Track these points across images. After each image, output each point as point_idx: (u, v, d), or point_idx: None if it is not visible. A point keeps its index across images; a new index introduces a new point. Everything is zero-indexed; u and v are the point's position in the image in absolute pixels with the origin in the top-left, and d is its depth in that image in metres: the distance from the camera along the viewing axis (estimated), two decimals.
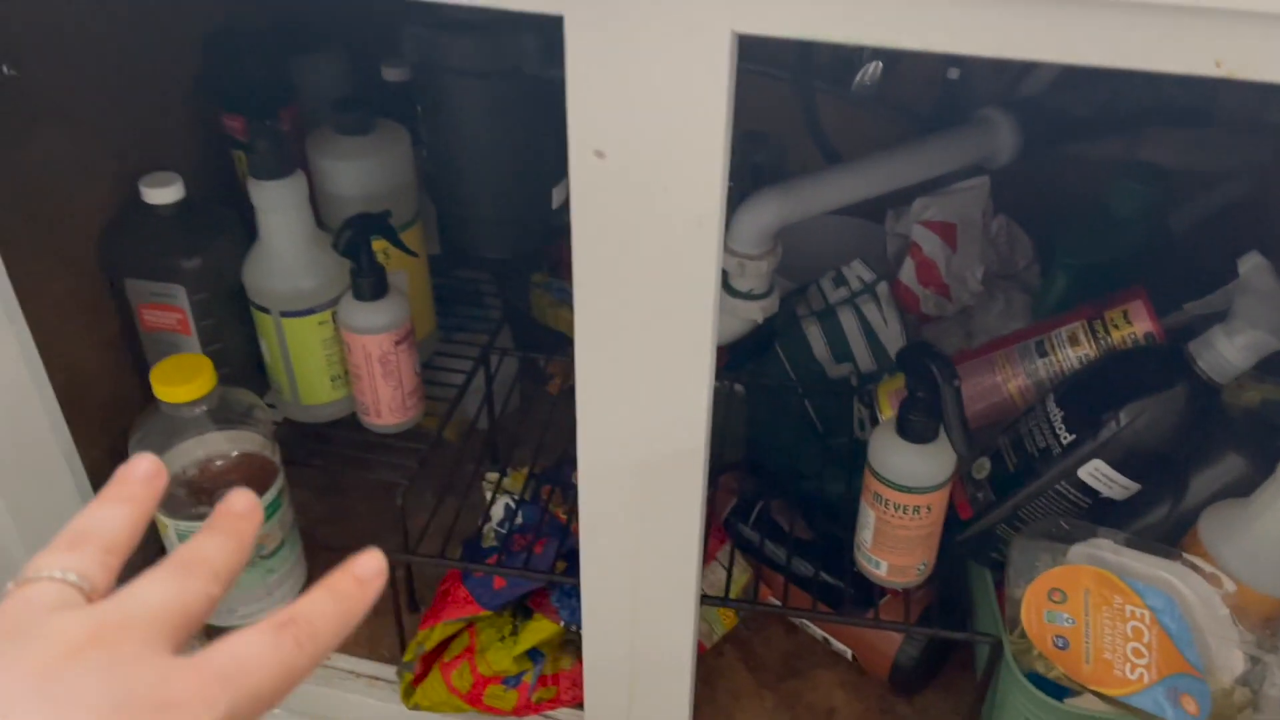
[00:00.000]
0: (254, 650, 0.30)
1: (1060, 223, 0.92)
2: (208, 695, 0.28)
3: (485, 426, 0.96)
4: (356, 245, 0.75)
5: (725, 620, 0.82)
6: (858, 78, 0.98)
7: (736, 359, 1.00)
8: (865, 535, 0.70)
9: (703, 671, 0.81)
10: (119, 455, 0.72)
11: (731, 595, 0.79)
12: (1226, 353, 0.62)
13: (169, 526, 0.73)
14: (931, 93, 1.00)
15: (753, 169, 1.06)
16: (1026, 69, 0.93)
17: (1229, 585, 0.59)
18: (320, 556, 0.85)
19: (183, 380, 0.68)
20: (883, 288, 0.93)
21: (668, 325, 0.54)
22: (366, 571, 0.33)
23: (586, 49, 0.46)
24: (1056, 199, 0.94)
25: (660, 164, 0.49)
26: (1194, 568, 0.60)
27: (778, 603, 0.81)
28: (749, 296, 0.86)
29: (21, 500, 0.72)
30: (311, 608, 0.31)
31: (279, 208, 0.76)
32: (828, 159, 1.01)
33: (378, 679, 0.82)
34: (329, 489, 0.94)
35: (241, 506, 0.34)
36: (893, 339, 0.92)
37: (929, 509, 0.66)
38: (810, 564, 0.79)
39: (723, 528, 0.84)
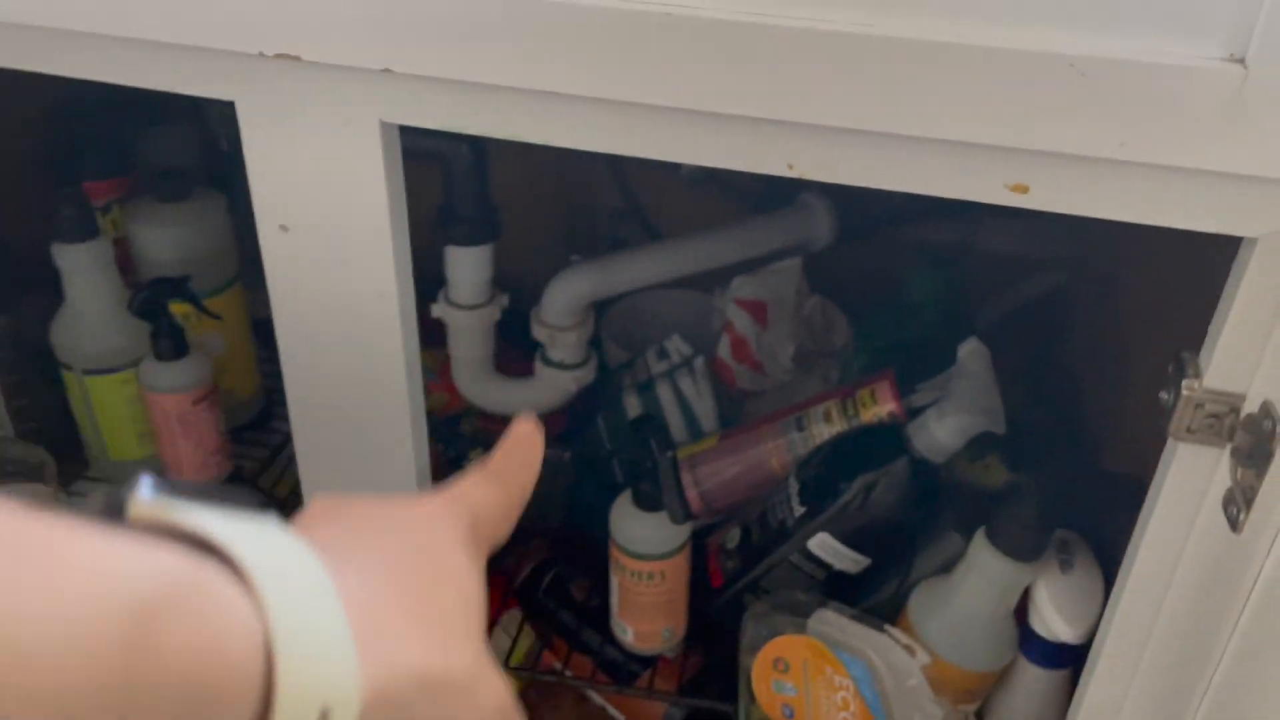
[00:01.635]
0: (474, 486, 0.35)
1: (868, 305, 0.96)
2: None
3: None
4: (153, 307, 0.78)
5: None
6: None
7: (569, 428, 1.03)
8: (613, 602, 0.72)
9: None
10: None
11: (513, 661, 0.81)
12: (938, 434, 0.65)
13: None
14: (763, 176, 1.04)
15: (615, 243, 1.10)
16: None
17: (924, 658, 0.61)
18: None
19: None
20: (699, 362, 0.96)
21: (366, 393, 0.57)
22: (526, 429, 0.38)
23: (258, 132, 0.50)
24: (875, 282, 0.98)
25: (336, 239, 0.52)
26: (895, 639, 0.62)
27: (556, 669, 0.82)
28: (561, 366, 0.90)
29: None
30: (507, 462, 0.37)
31: (81, 269, 0.79)
32: (650, 236, 1.05)
33: None
34: None
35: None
36: (706, 412, 0.95)
37: (663, 575, 0.68)
38: (595, 632, 0.81)
39: (516, 593, 0.86)
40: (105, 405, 0.83)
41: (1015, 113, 0.39)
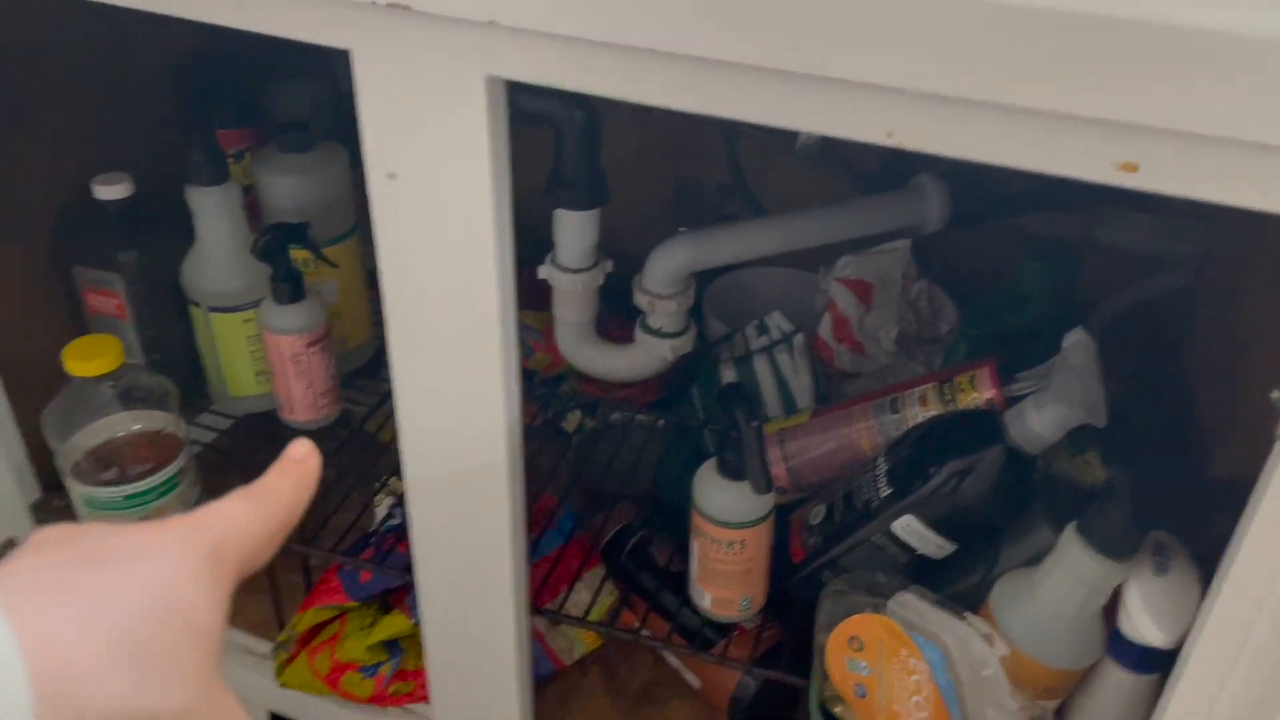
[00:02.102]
0: (229, 506, 0.35)
1: (977, 292, 0.94)
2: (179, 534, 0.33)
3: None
4: (272, 251, 0.82)
5: (587, 641, 0.85)
6: (802, 136, 1.01)
7: (663, 397, 1.04)
8: (692, 568, 0.72)
9: (561, 688, 0.84)
10: None
11: (593, 617, 0.82)
12: (1034, 424, 0.63)
13: (76, 491, 0.80)
14: (875, 156, 1.02)
15: (721, 218, 1.10)
16: None
17: (1002, 649, 0.60)
18: None
19: (90, 357, 0.76)
20: (799, 339, 0.95)
21: (462, 343, 0.59)
22: (301, 452, 0.38)
23: (371, 80, 0.52)
24: (986, 270, 0.95)
25: (440, 190, 0.53)
26: (975, 628, 0.61)
27: (634, 630, 0.83)
28: (660, 334, 0.90)
29: None
30: (273, 482, 0.37)
31: (211, 211, 0.83)
32: (756, 212, 1.04)
33: (264, 658, 0.87)
34: (247, 475, 1.01)
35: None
36: (802, 390, 0.94)
37: (743, 544, 0.68)
38: (675, 597, 0.82)
39: (601, 552, 0.87)
40: (227, 342, 0.88)
41: (1124, 83, 0.37)
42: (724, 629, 0.76)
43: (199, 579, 0.32)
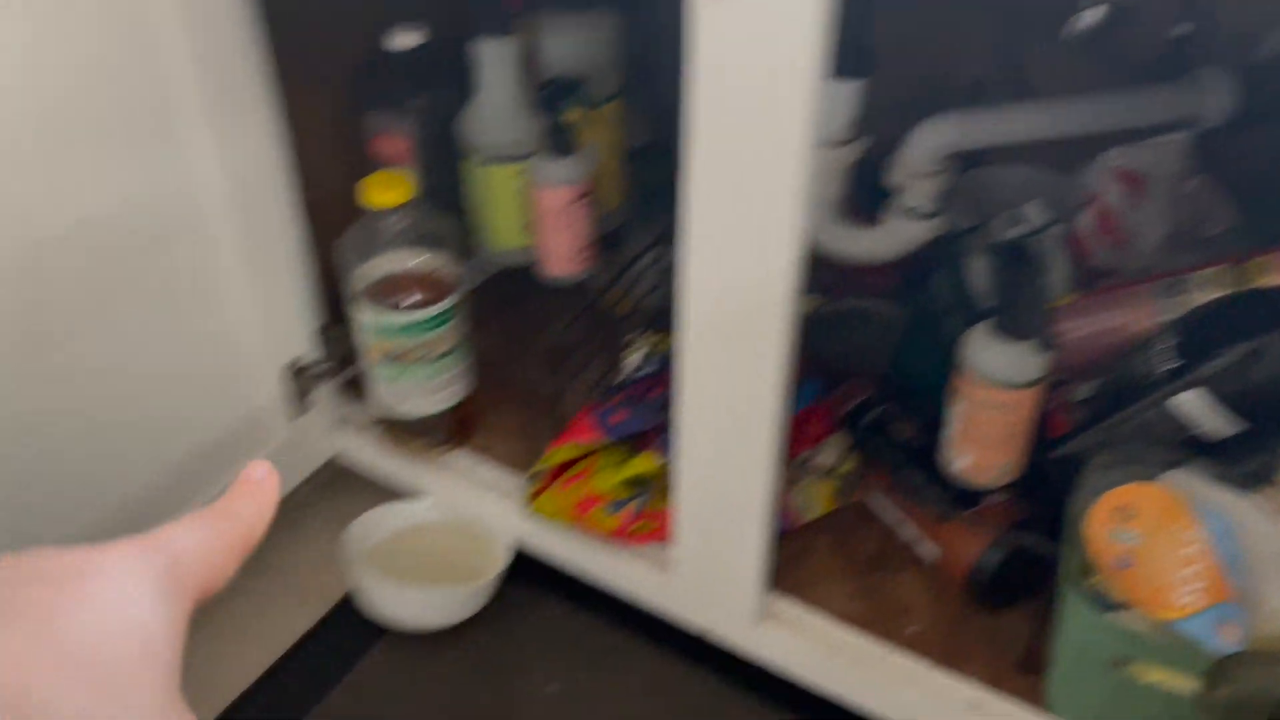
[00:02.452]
0: (185, 527, 0.33)
1: (1259, 193, 0.88)
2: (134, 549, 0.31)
3: (648, 307, 1.05)
4: (550, 104, 0.85)
5: (822, 502, 0.87)
6: (1073, 23, 0.97)
7: (903, 282, 1.03)
8: (953, 429, 0.73)
9: (792, 548, 0.86)
10: None
11: (831, 486, 0.84)
12: None
13: (363, 315, 0.87)
14: (1152, 48, 0.97)
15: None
16: (1267, 31, 0.89)
17: None
18: (487, 372, 0.97)
19: (386, 190, 0.82)
20: (1055, 231, 0.93)
21: (761, 165, 0.60)
22: (260, 473, 0.36)
23: None
24: (1271, 169, 0.90)
25: (762, 14, 0.55)
26: (1262, 504, 0.59)
27: (873, 500, 0.85)
28: (913, 214, 0.90)
29: (266, 291, 0.88)
30: (232, 503, 0.35)
31: (493, 64, 0.88)
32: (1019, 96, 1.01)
33: (514, 492, 0.93)
34: (503, 323, 1.07)
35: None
36: (1059, 283, 0.92)
37: (1012, 407, 0.68)
38: (915, 468, 0.82)
39: (841, 421, 0.89)
40: (496, 194, 0.93)
41: None
42: (970, 501, 0.77)
43: (154, 599, 0.31)
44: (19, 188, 0.66)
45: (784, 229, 0.62)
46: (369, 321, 0.87)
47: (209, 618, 0.95)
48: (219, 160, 0.78)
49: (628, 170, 1.03)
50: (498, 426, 0.99)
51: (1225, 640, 0.59)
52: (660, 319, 1.03)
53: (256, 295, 0.86)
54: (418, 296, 0.87)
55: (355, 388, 1.00)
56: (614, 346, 0.95)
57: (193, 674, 0.97)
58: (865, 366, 0.95)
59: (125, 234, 0.74)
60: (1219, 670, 0.56)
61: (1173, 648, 0.61)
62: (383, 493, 0.99)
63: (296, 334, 0.92)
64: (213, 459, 0.88)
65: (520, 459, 0.95)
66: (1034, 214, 0.96)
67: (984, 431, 0.70)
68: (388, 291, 0.87)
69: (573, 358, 0.91)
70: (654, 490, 0.86)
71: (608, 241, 1.05)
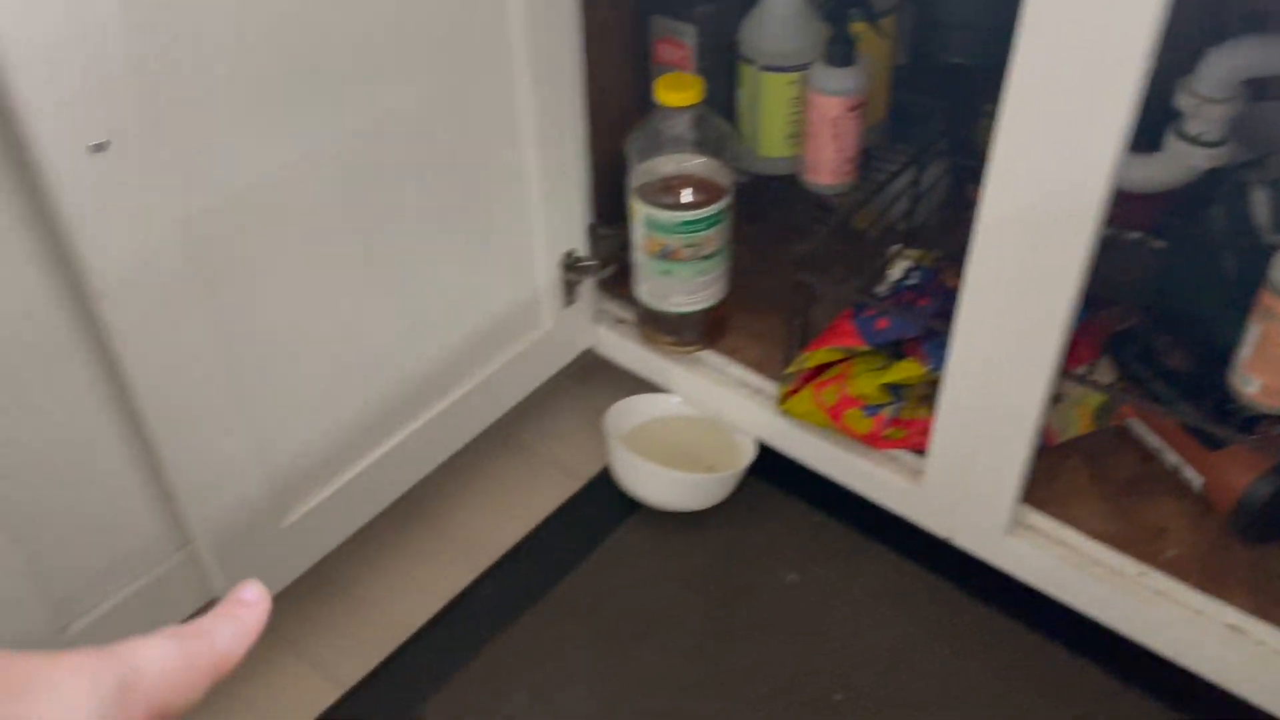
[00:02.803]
0: (151, 642, 0.31)
1: None
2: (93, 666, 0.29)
3: (902, 227, 1.06)
4: (836, 13, 0.87)
5: (1081, 423, 0.87)
6: None
7: (1169, 213, 1.01)
8: (1245, 353, 0.72)
9: (1047, 465, 0.87)
10: (624, 159, 0.92)
11: (1093, 405, 0.84)
12: None
13: (640, 211, 0.92)
14: None
15: None
16: None
17: None
18: (741, 277, 1.01)
19: (677, 90, 0.86)
20: None
21: (1087, 79, 0.61)
22: (250, 595, 0.35)
23: None
24: None
25: None
26: None
27: (1136, 424, 0.84)
28: (1198, 142, 0.88)
29: (552, 186, 0.93)
30: (209, 623, 0.33)
31: None
32: None
33: (761, 391, 0.98)
34: (761, 230, 1.10)
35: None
36: None
37: None
38: (1184, 395, 0.82)
39: (1105, 346, 0.88)
40: (770, 102, 0.95)
41: None
42: (1249, 427, 0.76)
43: (102, 713, 0.29)
44: (360, 86, 0.73)
45: (1109, 140, 0.63)
46: (646, 217, 0.92)
47: (476, 481, 1.03)
48: (530, 65, 0.83)
49: (893, 84, 1.04)
50: (747, 330, 1.02)
51: None
52: (913, 237, 1.05)
53: (545, 190, 0.92)
54: (694, 197, 0.91)
55: (615, 285, 1.06)
56: (868, 260, 0.97)
57: (462, 533, 1.07)
58: (1130, 294, 0.94)
59: (446, 127, 0.81)
60: None
61: None
62: (632, 385, 1.05)
63: (574, 229, 0.98)
64: (491, 338, 0.96)
65: (767, 363, 0.99)
66: None
67: None
68: (666, 190, 0.91)
69: (826, 269, 0.93)
70: (909, 398, 0.88)
71: (867, 157, 1.06)
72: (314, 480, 0.84)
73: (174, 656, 0.31)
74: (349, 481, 0.87)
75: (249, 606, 0.34)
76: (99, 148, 0.58)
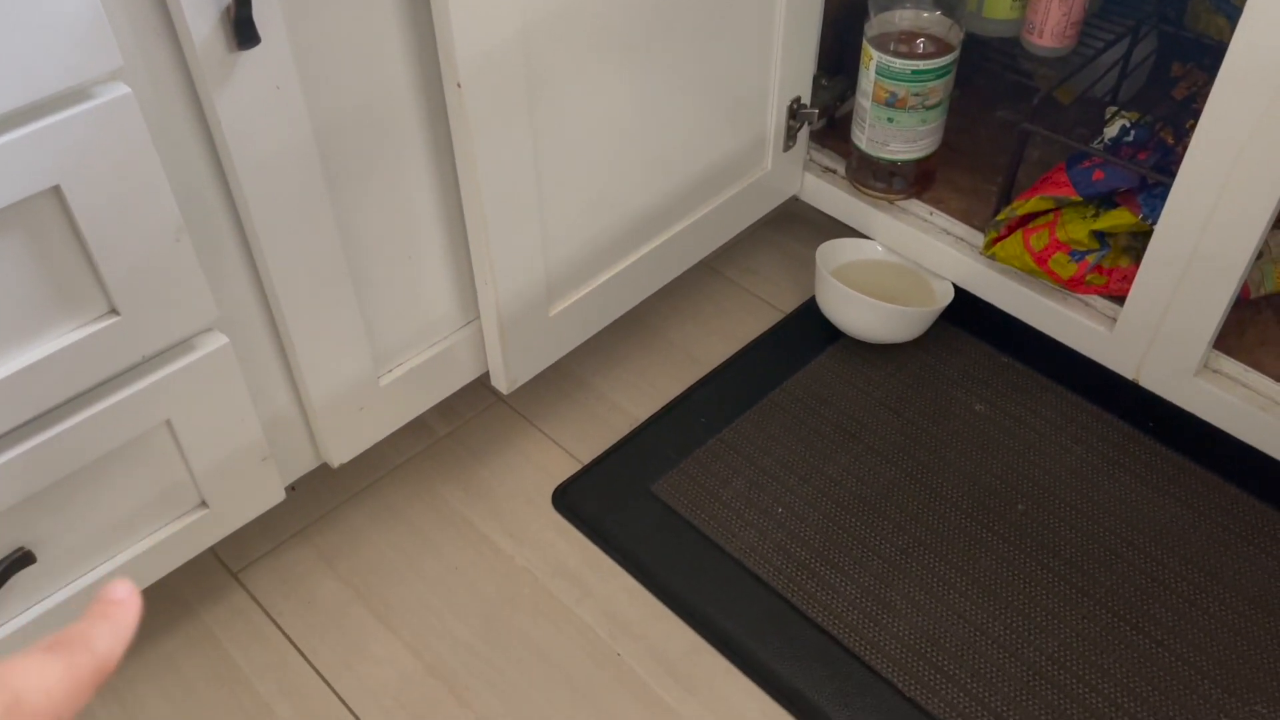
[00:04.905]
0: (30, 661, 0.30)
1: None
2: None
3: (1108, 97, 1.11)
4: None
5: (1276, 280, 0.94)
6: None
7: None
8: None
9: (1239, 315, 0.94)
10: (847, 17, 1.00)
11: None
12: None
13: (873, 58, 1.00)
14: None
15: None
16: None
17: None
18: (951, 133, 1.08)
19: None
20: None
21: None
22: (120, 594, 0.33)
23: None
24: None
25: None
26: None
27: None
28: None
29: (787, 35, 1.01)
30: (86, 628, 0.32)
31: None
32: None
33: (963, 239, 1.06)
34: (976, 89, 1.17)
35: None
36: None
37: None
38: None
39: None
40: None
41: None
42: None
43: None
44: None
45: None
46: (879, 64, 0.99)
47: (691, 306, 1.14)
48: None
49: None
50: (952, 184, 1.10)
51: None
52: (1124, 107, 1.10)
53: (785, 39, 1.01)
54: (926, 48, 0.98)
55: (824, 137, 1.14)
56: (1073, 130, 1.04)
57: (675, 350, 1.20)
58: None
59: None
60: None
61: None
62: (824, 233, 1.15)
63: (803, 77, 1.06)
64: (724, 173, 1.06)
65: (970, 214, 1.07)
66: None
67: None
68: (901, 40, 0.99)
69: (1034, 131, 1.00)
70: (1115, 246, 0.95)
71: (1085, 26, 1.11)
72: (574, 282, 0.96)
73: (56, 672, 0.30)
74: (599, 286, 0.99)
75: (120, 605, 0.33)
76: None
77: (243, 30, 0.62)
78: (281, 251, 0.74)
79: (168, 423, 0.74)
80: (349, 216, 0.78)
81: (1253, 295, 0.94)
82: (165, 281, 0.67)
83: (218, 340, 0.73)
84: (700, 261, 1.13)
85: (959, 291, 1.07)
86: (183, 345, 0.72)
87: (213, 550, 0.95)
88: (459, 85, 0.74)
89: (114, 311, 0.66)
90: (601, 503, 0.97)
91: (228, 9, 0.62)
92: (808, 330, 1.12)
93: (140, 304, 0.67)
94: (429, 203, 0.83)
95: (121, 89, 0.60)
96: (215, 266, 0.73)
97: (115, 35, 0.58)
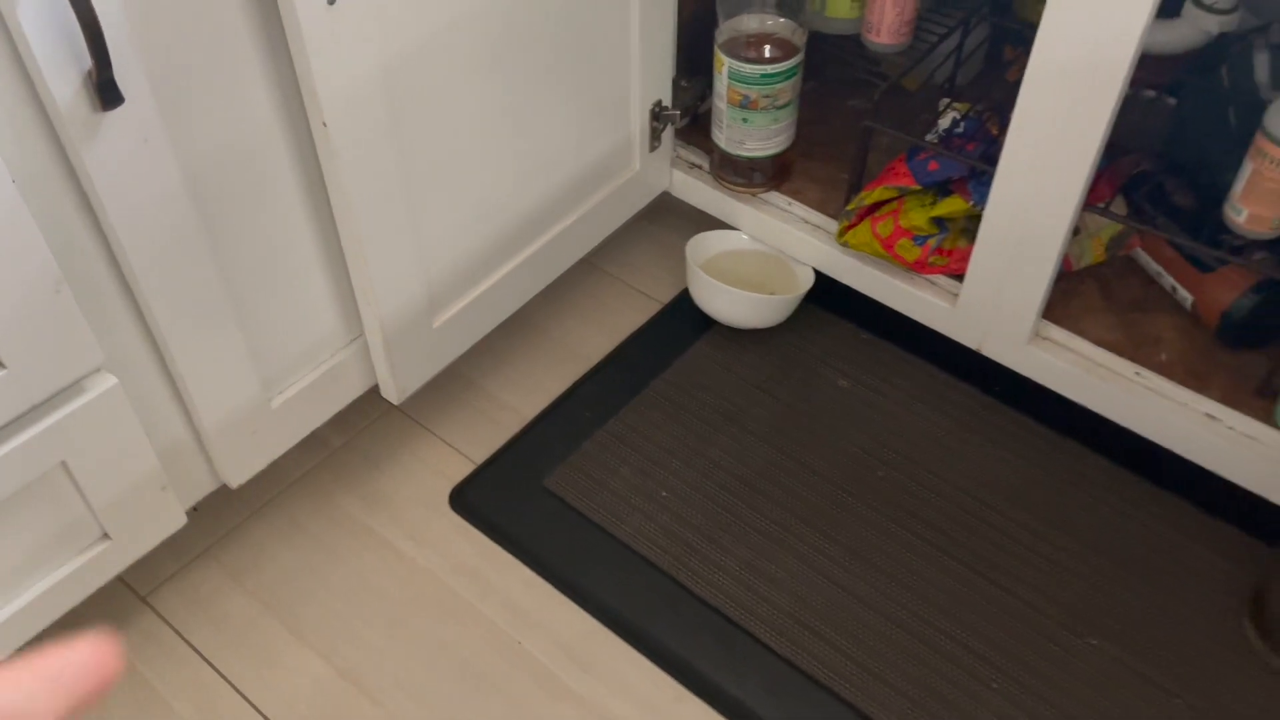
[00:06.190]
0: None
1: None
2: None
3: (947, 85, 1.20)
4: None
5: (1094, 253, 1.04)
6: None
7: (1182, 75, 1.15)
8: (1238, 187, 0.88)
9: (1064, 287, 1.04)
10: (701, 20, 1.06)
11: (1106, 236, 1.00)
12: None
13: (725, 64, 1.06)
14: None
15: None
16: None
17: None
18: (804, 128, 1.16)
19: None
20: None
21: None
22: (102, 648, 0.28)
23: None
24: None
25: None
26: None
27: (1141, 252, 1.01)
28: (1212, 10, 1.01)
29: (647, 44, 1.07)
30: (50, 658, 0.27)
31: None
32: None
33: (820, 227, 1.13)
34: (822, 85, 1.24)
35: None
36: None
37: None
38: (1183, 228, 0.98)
39: (1121, 187, 1.04)
40: None
41: None
42: (1238, 252, 0.92)
43: None
44: None
45: (1141, 3, 0.77)
46: (730, 69, 1.05)
47: (572, 303, 1.19)
48: None
49: None
50: (808, 175, 1.18)
51: None
52: (958, 94, 1.19)
53: (643, 47, 1.06)
54: (772, 52, 1.05)
55: (689, 134, 1.20)
56: (920, 113, 1.12)
57: (559, 347, 1.27)
58: (1145, 144, 1.09)
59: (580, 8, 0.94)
60: None
61: None
62: (695, 225, 1.21)
63: (663, 82, 1.12)
64: (593, 177, 1.11)
65: (825, 203, 1.14)
66: None
67: (1268, 188, 0.84)
68: (749, 45, 1.05)
69: (879, 121, 1.08)
70: (953, 229, 1.04)
71: (919, 20, 1.19)
72: (456, 292, 1.01)
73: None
74: (481, 294, 1.03)
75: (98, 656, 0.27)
76: (331, 2, 0.72)
77: (106, 92, 0.65)
78: (161, 292, 0.77)
79: (63, 464, 0.76)
80: (228, 252, 0.81)
81: (1075, 268, 1.04)
82: (49, 331, 0.70)
83: (107, 381, 0.76)
84: (580, 259, 1.18)
85: (820, 276, 1.15)
86: (72, 389, 0.75)
87: (119, 577, 0.97)
88: (324, 124, 0.77)
89: (0, 365, 0.69)
90: (497, 500, 1.03)
91: (89, 73, 0.64)
92: (684, 320, 1.19)
93: (26, 355, 0.69)
94: (306, 232, 0.86)
95: None
96: (99, 311, 0.75)
97: None
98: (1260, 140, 0.84)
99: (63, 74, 0.63)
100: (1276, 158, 0.83)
